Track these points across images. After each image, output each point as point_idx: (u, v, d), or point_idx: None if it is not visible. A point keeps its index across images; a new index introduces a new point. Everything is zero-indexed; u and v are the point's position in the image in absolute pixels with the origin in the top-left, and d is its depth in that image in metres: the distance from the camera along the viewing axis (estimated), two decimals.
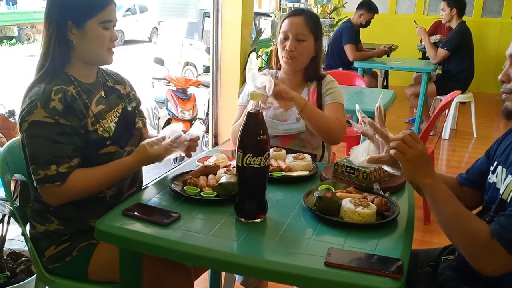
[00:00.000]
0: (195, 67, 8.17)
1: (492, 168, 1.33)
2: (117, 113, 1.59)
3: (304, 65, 2.02)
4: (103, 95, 1.58)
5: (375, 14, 5.42)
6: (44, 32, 1.49)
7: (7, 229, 2.00)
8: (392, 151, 1.21)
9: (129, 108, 1.66)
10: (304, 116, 1.86)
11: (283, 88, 1.79)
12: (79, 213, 1.51)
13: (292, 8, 5.94)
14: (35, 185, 1.43)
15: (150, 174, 1.73)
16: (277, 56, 2.06)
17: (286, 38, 1.97)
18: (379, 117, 1.34)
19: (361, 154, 1.50)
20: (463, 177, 1.49)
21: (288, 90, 1.81)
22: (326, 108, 1.99)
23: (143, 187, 1.61)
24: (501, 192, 1.24)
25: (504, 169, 1.27)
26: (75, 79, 1.50)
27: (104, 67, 1.65)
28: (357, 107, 1.42)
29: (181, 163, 2.13)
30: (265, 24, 6.70)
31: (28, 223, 1.59)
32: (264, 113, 1.36)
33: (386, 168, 1.31)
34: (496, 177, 1.29)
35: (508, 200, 1.19)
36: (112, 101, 1.60)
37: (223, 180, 1.43)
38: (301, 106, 1.83)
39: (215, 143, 4.32)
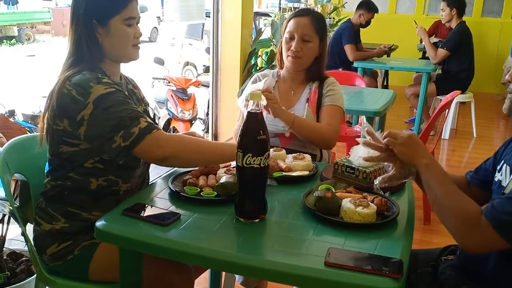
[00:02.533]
0: (195, 67, 8.18)
1: (498, 167, 1.33)
2: None
3: (308, 65, 2.03)
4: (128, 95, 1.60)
5: (375, 14, 5.42)
6: (71, 33, 1.51)
7: (7, 229, 2.00)
8: (385, 140, 1.30)
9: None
10: (294, 131, 1.90)
11: (272, 107, 1.81)
12: (93, 206, 1.51)
13: (293, 8, 5.95)
14: (127, 144, 1.37)
15: (150, 174, 1.73)
16: (281, 55, 2.07)
17: (292, 38, 1.98)
18: (374, 138, 1.37)
19: (361, 154, 1.51)
20: (471, 176, 1.49)
21: (276, 109, 1.82)
22: (324, 109, 1.99)
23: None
24: (504, 189, 1.25)
25: (509, 167, 1.27)
26: (108, 75, 1.52)
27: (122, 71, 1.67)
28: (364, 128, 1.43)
29: None
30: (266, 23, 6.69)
31: (32, 221, 1.59)
32: (264, 113, 1.37)
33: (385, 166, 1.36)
34: (501, 175, 1.30)
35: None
36: (134, 102, 1.62)
37: (223, 180, 1.43)
38: (289, 124, 1.87)
39: None
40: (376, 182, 1.36)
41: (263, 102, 1.77)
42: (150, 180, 1.71)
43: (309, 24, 1.97)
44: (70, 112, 1.41)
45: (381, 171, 1.53)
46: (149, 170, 1.74)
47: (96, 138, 1.41)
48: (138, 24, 1.57)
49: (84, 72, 1.45)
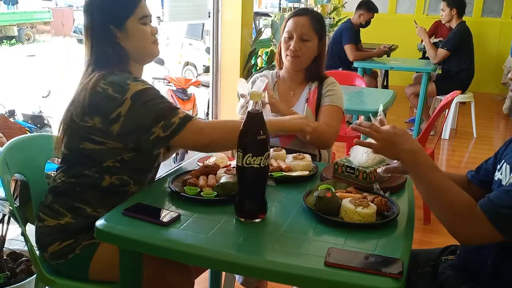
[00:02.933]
0: (195, 67, 8.18)
1: (498, 167, 1.34)
2: None
3: (307, 64, 2.03)
4: None
5: (375, 14, 5.42)
6: (89, 44, 1.52)
7: (7, 229, 2.00)
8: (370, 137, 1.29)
9: None
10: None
11: (270, 102, 1.84)
12: (100, 203, 1.52)
13: (293, 8, 5.95)
14: (167, 134, 1.42)
15: None
16: (280, 55, 2.07)
17: (290, 38, 1.99)
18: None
19: (361, 154, 1.51)
20: (472, 175, 1.50)
21: (275, 104, 1.86)
22: (323, 109, 1.99)
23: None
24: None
25: (509, 166, 1.28)
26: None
27: None
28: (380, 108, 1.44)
29: (181, 163, 2.13)
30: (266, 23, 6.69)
31: (32, 221, 1.59)
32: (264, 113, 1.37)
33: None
34: (501, 174, 1.30)
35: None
36: None
37: (223, 180, 1.43)
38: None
39: None
40: (380, 170, 1.38)
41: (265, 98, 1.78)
42: None
43: (307, 24, 1.97)
44: (104, 109, 1.43)
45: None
46: None
47: (132, 133, 1.44)
48: (151, 22, 1.59)
49: (117, 72, 1.47)
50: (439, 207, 1.22)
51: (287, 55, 2.00)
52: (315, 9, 6.17)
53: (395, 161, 1.34)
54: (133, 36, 1.53)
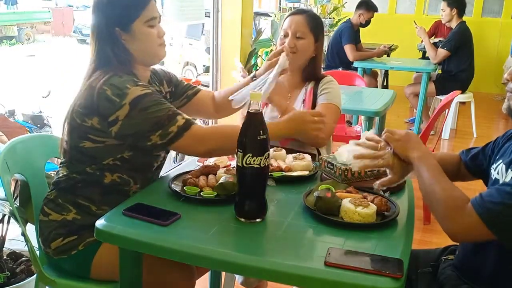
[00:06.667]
0: (195, 67, 8.17)
1: (495, 165, 1.34)
2: None
3: (303, 62, 2.02)
4: None
5: (375, 14, 5.42)
6: (93, 46, 1.52)
7: (7, 229, 2.00)
8: (383, 136, 1.37)
9: None
10: None
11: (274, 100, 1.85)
12: (102, 200, 1.52)
13: (293, 8, 5.95)
14: (164, 142, 1.42)
15: None
16: None
17: (286, 36, 1.99)
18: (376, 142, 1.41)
19: (345, 152, 1.52)
20: (465, 158, 1.52)
21: (277, 103, 1.88)
22: (318, 107, 1.98)
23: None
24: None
25: (505, 166, 1.28)
26: (139, 78, 1.54)
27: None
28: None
29: (181, 163, 2.13)
30: (265, 24, 6.70)
31: (32, 221, 1.59)
32: (263, 111, 1.37)
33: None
34: (498, 174, 1.30)
35: None
36: None
37: (223, 180, 1.43)
38: (281, 110, 1.89)
39: None
40: (375, 186, 1.38)
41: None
42: None
43: (302, 22, 1.98)
44: (102, 110, 1.43)
45: (361, 171, 1.53)
46: None
47: (129, 137, 1.45)
48: (160, 23, 1.58)
49: (120, 73, 1.47)
50: (434, 201, 1.23)
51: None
52: (315, 9, 6.17)
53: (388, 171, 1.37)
54: (138, 38, 1.52)
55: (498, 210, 1.12)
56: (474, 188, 1.46)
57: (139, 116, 1.42)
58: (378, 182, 1.37)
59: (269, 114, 1.99)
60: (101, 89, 1.43)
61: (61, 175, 1.57)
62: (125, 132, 1.44)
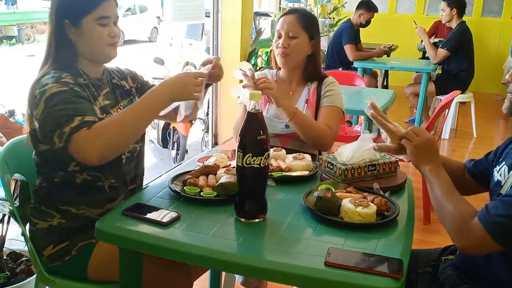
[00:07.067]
0: (195, 67, 8.16)
1: (498, 168, 1.34)
2: (120, 109, 1.60)
3: (298, 62, 2.02)
4: (109, 91, 1.59)
5: (375, 14, 5.42)
6: (47, 32, 1.51)
7: (7, 229, 2.00)
8: (402, 141, 1.36)
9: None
10: (293, 124, 1.88)
11: (274, 96, 1.81)
12: (80, 200, 1.51)
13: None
14: (62, 145, 1.31)
15: (150, 174, 1.73)
16: (274, 55, 2.07)
17: (279, 37, 2.00)
18: (377, 112, 1.41)
19: (347, 152, 1.52)
20: (469, 165, 1.51)
21: (278, 99, 1.82)
22: (322, 110, 1.99)
23: (143, 187, 1.62)
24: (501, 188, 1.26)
25: (507, 167, 1.28)
26: (84, 73, 1.52)
27: (108, 64, 1.65)
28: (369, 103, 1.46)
29: (181, 163, 2.13)
30: (265, 24, 6.70)
31: (28, 223, 1.59)
32: (264, 112, 1.37)
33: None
34: (501, 175, 1.30)
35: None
36: (118, 97, 1.63)
37: (223, 180, 1.43)
38: (290, 115, 1.85)
39: (215, 143, 4.32)
40: (373, 145, 1.42)
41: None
42: (150, 180, 1.71)
43: (294, 21, 1.98)
44: (32, 110, 1.41)
45: (361, 171, 1.53)
46: (145, 169, 1.73)
47: (44, 138, 1.40)
48: (116, 24, 1.54)
49: (54, 71, 1.45)
50: (445, 216, 1.23)
51: (277, 54, 2.01)
52: (315, 9, 6.18)
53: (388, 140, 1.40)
54: (87, 35, 1.48)
55: (504, 223, 1.12)
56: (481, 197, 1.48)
57: (47, 113, 1.35)
58: (374, 145, 1.41)
59: (273, 111, 1.99)
60: (34, 86, 1.42)
61: (37, 183, 1.55)
62: (41, 132, 1.39)
